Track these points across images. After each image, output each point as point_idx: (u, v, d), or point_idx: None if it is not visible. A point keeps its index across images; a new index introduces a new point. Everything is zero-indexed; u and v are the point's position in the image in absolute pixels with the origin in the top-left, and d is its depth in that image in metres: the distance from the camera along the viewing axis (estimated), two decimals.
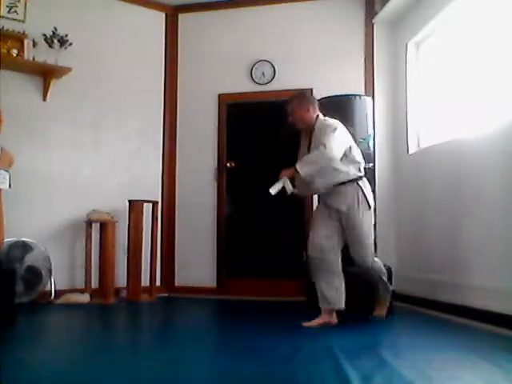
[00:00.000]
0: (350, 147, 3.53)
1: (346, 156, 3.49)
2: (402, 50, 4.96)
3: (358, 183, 3.52)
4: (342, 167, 3.47)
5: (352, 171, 3.51)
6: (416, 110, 4.81)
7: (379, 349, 2.73)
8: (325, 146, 3.35)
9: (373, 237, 3.64)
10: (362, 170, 3.60)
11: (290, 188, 3.42)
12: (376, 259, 3.68)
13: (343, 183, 3.49)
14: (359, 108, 4.29)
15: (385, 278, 3.71)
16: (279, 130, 4.94)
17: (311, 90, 5.17)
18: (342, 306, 3.46)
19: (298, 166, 3.39)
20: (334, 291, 3.45)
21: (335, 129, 3.45)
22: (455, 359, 2.58)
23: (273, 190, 3.37)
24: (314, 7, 5.33)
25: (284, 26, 5.39)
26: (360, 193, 3.50)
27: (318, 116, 3.63)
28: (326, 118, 3.62)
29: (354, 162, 3.54)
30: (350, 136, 3.58)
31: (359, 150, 3.64)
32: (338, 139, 3.42)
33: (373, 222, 3.65)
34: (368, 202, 3.53)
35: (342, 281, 3.50)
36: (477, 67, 3.84)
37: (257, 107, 5.45)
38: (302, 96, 3.78)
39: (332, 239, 3.50)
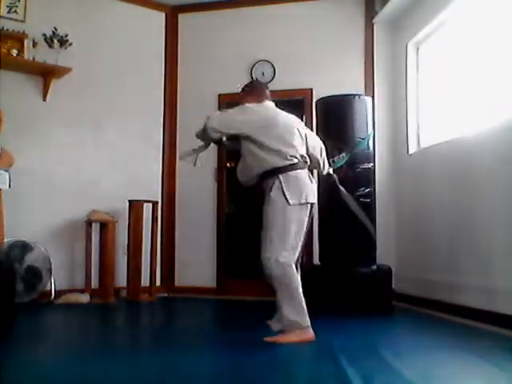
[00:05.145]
0: (266, 131, 3.05)
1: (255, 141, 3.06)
2: (401, 50, 4.96)
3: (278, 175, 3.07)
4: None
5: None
6: (416, 110, 4.81)
7: (379, 349, 2.73)
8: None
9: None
10: (292, 158, 3.07)
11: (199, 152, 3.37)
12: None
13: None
14: (358, 107, 4.28)
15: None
16: None
17: (311, 89, 5.18)
18: None
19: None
20: None
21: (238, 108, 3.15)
22: (455, 359, 2.58)
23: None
24: (313, 7, 5.33)
25: (284, 26, 5.38)
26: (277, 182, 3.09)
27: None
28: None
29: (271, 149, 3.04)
30: (274, 121, 3.09)
31: (293, 138, 3.08)
32: (230, 114, 3.17)
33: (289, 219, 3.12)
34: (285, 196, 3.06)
35: None
36: (476, 67, 3.84)
37: None
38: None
39: None
